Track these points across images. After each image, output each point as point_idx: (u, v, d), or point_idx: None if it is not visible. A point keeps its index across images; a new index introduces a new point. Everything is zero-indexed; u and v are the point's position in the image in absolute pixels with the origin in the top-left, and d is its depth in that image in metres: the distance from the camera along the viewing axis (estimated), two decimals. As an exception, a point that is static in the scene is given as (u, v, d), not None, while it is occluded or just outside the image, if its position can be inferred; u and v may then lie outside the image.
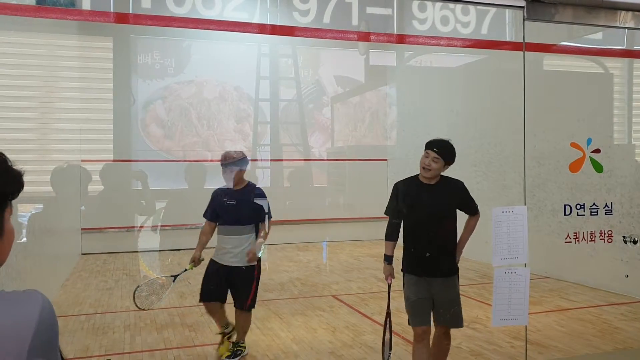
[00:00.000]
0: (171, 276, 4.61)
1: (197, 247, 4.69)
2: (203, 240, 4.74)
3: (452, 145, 3.74)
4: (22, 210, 5.65)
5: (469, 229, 3.85)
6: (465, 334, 5.37)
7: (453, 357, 4.78)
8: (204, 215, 4.80)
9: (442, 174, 3.77)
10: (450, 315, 3.80)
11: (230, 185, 4.64)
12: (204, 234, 4.76)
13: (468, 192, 3.82)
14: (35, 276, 5.86)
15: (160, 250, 9.80)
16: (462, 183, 3.84)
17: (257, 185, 4.80)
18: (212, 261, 4.68)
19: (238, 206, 4.63)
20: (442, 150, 3.67)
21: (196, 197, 10.36)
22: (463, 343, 5.13)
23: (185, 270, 4.61)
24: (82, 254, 9.93)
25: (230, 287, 4.67)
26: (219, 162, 4.65)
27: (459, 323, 3.85)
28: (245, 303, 4.63)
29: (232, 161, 4.61)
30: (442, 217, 3.73)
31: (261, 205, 4.69)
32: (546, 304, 6.52)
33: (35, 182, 7.46)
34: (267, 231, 4.70)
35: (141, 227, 10.40)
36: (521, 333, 4.82)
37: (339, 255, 10.11)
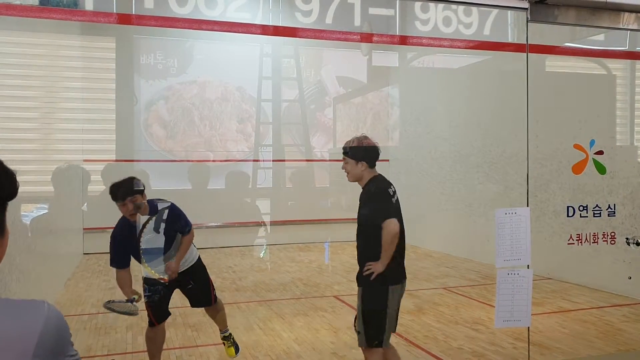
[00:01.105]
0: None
1: (126, 291, 4.05)
2: (128, 287, 4.06)
3: (357, 140, 3.56)
4: (25, 210, 5.65)
5: (384, 239, 3.38)
6: (467, 335, 5.37)
7: (455, 359, 4.78)
8: (111, 264, 4.06)
9: (380, 173, 3.57)
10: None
11: (135, 218, 4.03)
12: (125, 284, 4.04)
13: (371, 191, 3.48)
14: (37, 276, 5.86)
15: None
16: (374, 180, 3.53)
17: (166, 201, 4.19)
18: (149, 279, 4.14)
19: (157, 237, 4.05)
20: (346, 150, 3.57)
21: (199, 197, 10.44)
22: (465, 344, 5.12)
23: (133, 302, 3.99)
24: (85, 253, 9.93)
25: (185, 289, 4.30)
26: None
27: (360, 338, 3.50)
28: (211, 297, 4.36)
29: (127, 191, 3.97)
30: (358, 224, 3.57)
31: (176, 224, 4.13)
32: (548, 305, 6.51)
33: (38, 182, 7.48)
34: (184, 247, 4.12)
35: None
36: (524, 334, 4.82)
37: (340, 256, 10.10)
